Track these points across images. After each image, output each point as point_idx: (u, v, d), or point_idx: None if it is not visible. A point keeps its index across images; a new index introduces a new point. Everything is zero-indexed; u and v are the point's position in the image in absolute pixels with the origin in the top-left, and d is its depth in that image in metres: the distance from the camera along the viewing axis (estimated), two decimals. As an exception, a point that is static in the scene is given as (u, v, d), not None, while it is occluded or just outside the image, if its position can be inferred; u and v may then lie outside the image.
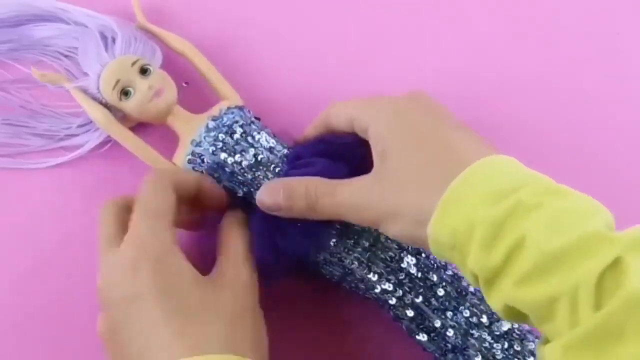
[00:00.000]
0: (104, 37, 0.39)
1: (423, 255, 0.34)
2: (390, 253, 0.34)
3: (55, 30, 0.41)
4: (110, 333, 0.29)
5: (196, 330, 0.27)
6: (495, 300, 0.25)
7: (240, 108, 0.37)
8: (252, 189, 0.34)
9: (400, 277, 0.33)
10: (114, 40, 0.39)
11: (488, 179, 0.25)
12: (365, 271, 0.33)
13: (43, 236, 0.38)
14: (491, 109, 0.44)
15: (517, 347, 0.33)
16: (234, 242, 0.33)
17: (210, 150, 0.35)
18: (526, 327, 0.34)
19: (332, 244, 0.33)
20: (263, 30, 0.44)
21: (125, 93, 0.37)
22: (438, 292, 0.34)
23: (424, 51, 0.45)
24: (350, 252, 0.33)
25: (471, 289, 0.34)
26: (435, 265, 0.34)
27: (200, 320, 0.28)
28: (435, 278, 0.34)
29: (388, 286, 0.33)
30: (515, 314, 0.25)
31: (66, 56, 0.41)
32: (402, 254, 0.34)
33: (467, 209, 0.25)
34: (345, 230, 0.33)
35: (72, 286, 0.37)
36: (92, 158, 0.39)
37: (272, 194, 0.32)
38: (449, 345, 0.33)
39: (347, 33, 0.45)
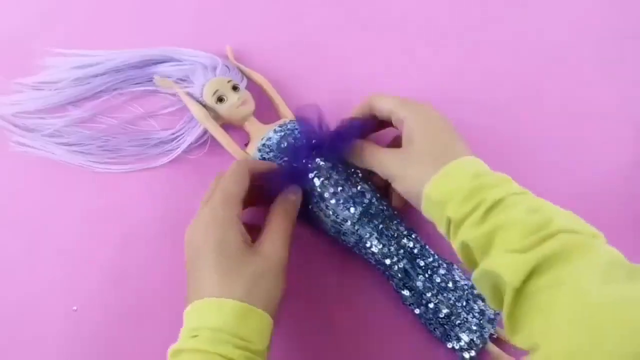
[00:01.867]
0: (208, 67, 0.55)
1: (418, 240, 0.49)
2: (391, 232, 0.48)
3: (171, 66, 0.57)
4: (188, 264, 0.42)
5: (231, 280, 0.40)
6: (457, 240, 0.39)
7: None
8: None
9: (396, 247, 0.48)
10: (214, 69, 0.55)
11: (466, 169, 0.41)
12: (374, 242, 0.48)
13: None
14: (493, 109, 0.51)
15: (472, 304, 0.47)
16: (279, 222, 0.44)
17: (278, 144, 0.50)
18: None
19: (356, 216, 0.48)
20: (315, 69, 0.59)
21: (220, 99, 0.53)
22: (419, 262, 0.48)
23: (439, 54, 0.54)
24: (366, 227, 0.48)
25: (442, 270, 0.49)
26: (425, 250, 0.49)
27: (235, 274, 0.40)
28: (420, 255, 0.48)
29: (385, 250, 0.48)
30: (466, 252, 0.39)
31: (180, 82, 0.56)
32: (403, 234, 0.48)
33: (454, 182, 0.40)
34: (366, 212, 0.48)
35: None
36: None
37: None
38: (424, 301, 0.47)
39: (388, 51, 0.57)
